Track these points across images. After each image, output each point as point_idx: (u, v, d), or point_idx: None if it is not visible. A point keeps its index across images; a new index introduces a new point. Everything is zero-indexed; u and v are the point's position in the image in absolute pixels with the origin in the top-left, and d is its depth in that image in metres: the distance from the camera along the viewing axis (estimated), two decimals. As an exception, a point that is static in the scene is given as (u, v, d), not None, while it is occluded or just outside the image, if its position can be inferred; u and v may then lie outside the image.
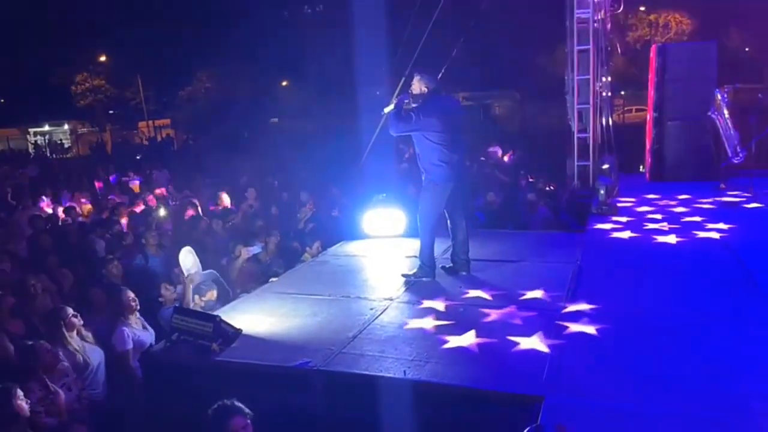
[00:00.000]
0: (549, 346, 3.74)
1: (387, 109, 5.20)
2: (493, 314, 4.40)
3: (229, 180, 12.45)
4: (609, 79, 11.16)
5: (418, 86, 5.09)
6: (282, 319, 4.54)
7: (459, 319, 4.38)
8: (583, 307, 4.43)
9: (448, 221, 5.39)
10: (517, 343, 3.84)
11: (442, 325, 4.29)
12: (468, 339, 3.98)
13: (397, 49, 9.51)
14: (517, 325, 4.17)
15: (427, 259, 5.25)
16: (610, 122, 11.11)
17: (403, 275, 5.33)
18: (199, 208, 9.47)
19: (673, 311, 4.26)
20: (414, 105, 5.12)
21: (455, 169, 5.12)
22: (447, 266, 5.50)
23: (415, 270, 5.31)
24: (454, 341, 3.95)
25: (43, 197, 10.52)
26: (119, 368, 4.72)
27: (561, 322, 4.14)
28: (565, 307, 4.44)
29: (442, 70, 9.13)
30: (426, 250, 5.25)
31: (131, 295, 4.90)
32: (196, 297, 5.51)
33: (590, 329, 4.02)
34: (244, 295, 5.48)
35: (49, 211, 10.24)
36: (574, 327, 4.06)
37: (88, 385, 4.41)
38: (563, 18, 10.07)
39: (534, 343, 3.81)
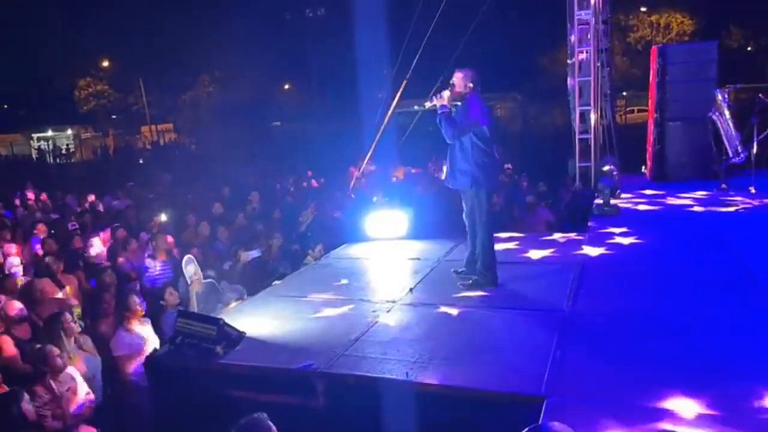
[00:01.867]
0: (551, 347, 3.75)
1: (428, 105, 4.99)
2: (495, 315, 4.43)
3: (233, 183, 12.49)
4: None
5: (461, 83, 4.84)
6: (285, 321, 4.57)
7: (461, 320, 4.41)
8: (585, 307, 4.45)
9: (468, 227, 5.17)
10: (518, 344, 3.86)
11: (444, 327, 4.31)
12: (470, 340, 4.00)
13: (399, 52, 9.56)
14: (518, 326, 4.19)
15: (485, 266, 5.03)
16: (612, 123, 11.12)
17: (462, 284, 5.10)
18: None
19: (675, 311, 4.27)
20: (457, 103, 4.89)
21: (494, 170, 4.98)
22: (459, 270, 5.32)
23: (474, 277, 5.09)
24: (455, 342, 3.98)
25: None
26: (114, 372, 4.76)
27: (563, 323, 4.16)
28: (567, 308, 4.46)
29: (444, 73, 9.20)
30: (488, 255, 5.03)
31: (136, 299, 4.94)
32: (219, 306, 5.53)
33: (592, 329, 4.05)
34: (248, 298, 5.51)
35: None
36: (575, 327, 4.08)
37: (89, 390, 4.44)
38: (564, 20, 10.11)
39: (536, 343, 3.83)
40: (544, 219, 8.40)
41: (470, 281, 5.09)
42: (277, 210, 10.03)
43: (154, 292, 6.00)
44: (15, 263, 7.03)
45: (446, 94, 4.88)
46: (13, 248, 7.35)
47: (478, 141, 4.81)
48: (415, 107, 5.13)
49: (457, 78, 4.87)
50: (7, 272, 6.61)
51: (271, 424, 2.67)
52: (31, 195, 12.69)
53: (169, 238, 7.51)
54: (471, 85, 4.85)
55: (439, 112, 4.86)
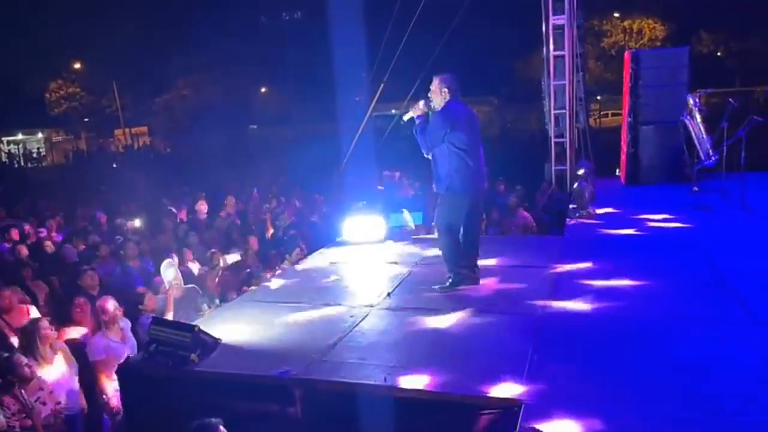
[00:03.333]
0: (528, 351, 3.76)
1: (406, 117, 5.01)
2: (473, 319, 4.43)
3: (209, 188, 12.37)
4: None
5: (438, 90, 4.82)
6: (261, 327, 4.52)
7: (438, 324, 4.40)
8: (562, 310, 4.48)
9: (461, 231, 5.12)
10: (496, 348, 3.86)
11: (421, 332, 4.30)
12: (448, 344, 4.00)
13: (376, 55, 9.56)
14: (496, 330, 4.20)
15: (455, 266, 5.04)
16: (586, 127, 11.26)
17: (439, 288, 5.07)
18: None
19: (649, 314, 4.32)
20: (436, 111, 4.87)
21: (474, 177, 4.94)
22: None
23: (448, 282, 5.09)
24: (433, 347, 3.96)
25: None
26: (91, 378, 4.66)
27: (540, 327, 4.18)
28: (544, 312, 4.48)
29: (421, 76, 9.23)
30: (452, 259, 5.04)
31: (114, 304, 4.84)
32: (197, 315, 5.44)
33: (569, 333, 4.07)
34: (224, 303, 5.44)
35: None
36: (552, 331, 4.10)
37: (61, 399, 4.33)
38: (539, 24, 10.22)
39: (513, 347, 3.84)
40: (522, 222, 8.45)
41: (447, 281, 5.09)
42: (255, 214, 9.97)
43: (132, 297, 5.90)
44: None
45: (421, 103, 4.90)
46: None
47: (455, 147, 4.80)
48: (393, 111, 5.14)
49: (434, 84, 4.86)
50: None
51: (223, 430, 2.65)
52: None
53: (143, 243, 7.40)
54: (446, 90, 4.82)
55: (417, 122, 4.87)
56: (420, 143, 4.90)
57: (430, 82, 4.93)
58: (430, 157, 4.99)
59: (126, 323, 5.03)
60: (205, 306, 5.64)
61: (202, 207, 10.42)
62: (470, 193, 4.95)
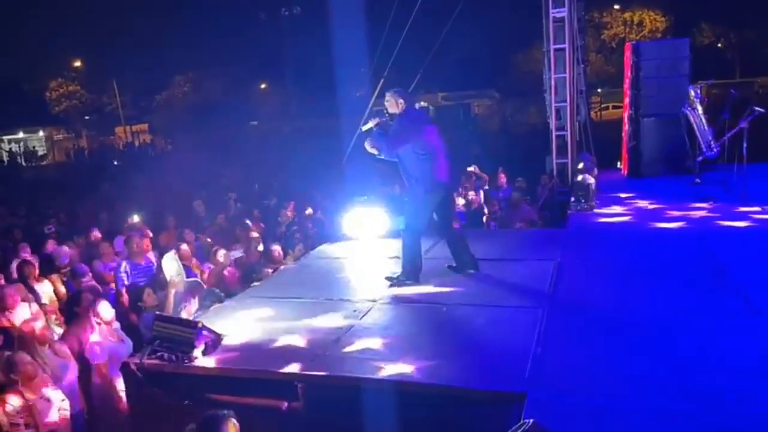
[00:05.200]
0: (531, 344, 3.77)
1: (365, 127, 5.27)
2: (475, 312, 4.43)
3: (210, 185, 12.36)
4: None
5: (394, 103, 5.13)
6: (265, 323, 4.52)
7: (442, 319, 4.40)
8: (564, 304, 4.48)
9: (439, 227, 5.43)
10: (499, 341, 3.87)
11: (424, 325, 4.31)
12: (451, 338, 4.00)
13: (376, 50, 9.53)
14: (499, 323, 4.20)
15: (409, 263, 5.24)
16: (587, 120, 11.24)
17: (387, 278, 5.33)
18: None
19: (649, 306, 4.32)
20: (394, 121, 5.14)
21: (441, 177, 5.13)
22: (453, 265, 5.50)
23: (398, 273, 5.29)
24: (436, 340, 3.97)
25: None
26: (95, 379, 4.65)
27: (543, 320, 4.18)
28: (547, 305, 4.48)
29: (421, 71, 9.20)
30: (408, 255, 5.24)
31: (107, 305, 4.83)
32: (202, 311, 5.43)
33: (571, 326, 4.07)
34: (227, 299, 5.44)
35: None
36: (555, 324, 4.10)
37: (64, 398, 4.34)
38: (540, 17, 10.18)
39: (516, 340, 3.85)
40: (526, 215, 8.45)
41: (395, 277, 5.27)
42: (256, 210, 9.95)
43: (133, 294, 5.89)
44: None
45: (373, 121, 5.23)
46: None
47: (420, 153, 5.06)
48: (362, 128, 5.36)
49: (390, 99, 5.17)
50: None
51: (233, 422, 2.66)
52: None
53: (147, 239, 7.38)
54: (402, 101, 5.13)
55: (374, 130, 5.19)
56: (379, 148, 5.19)
57: (383, 96, 5.29)
58: (391, 160, 5.22)
59: (117, 324, 5.00)
60: (208, 301, 5.62)
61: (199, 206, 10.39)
62: (440, 190, 5.17)
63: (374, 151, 5.23)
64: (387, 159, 5.23)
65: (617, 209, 7.87)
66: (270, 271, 6.45)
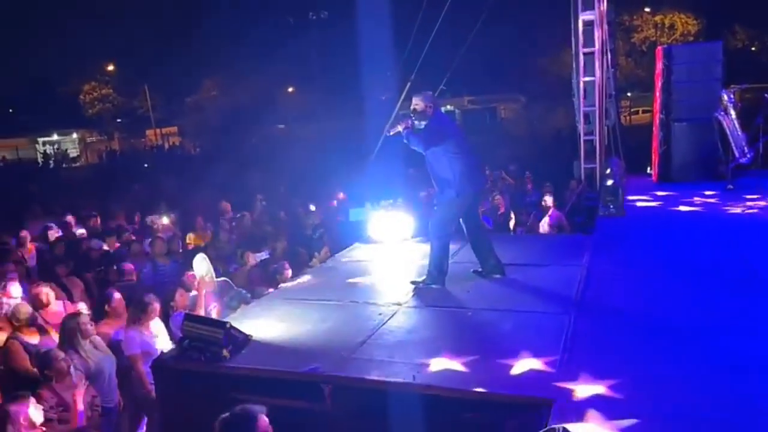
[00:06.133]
0: (558, 350, 3.74)
1: (393, 131, 5.31)
2: (502, 317, 4.41)
3: (238, 187, 12.51)
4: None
5: (422, 105, 5.19)
6: (291, 324, 4.56)
7: (468, 323, 4.39)
8: (593, 309, 4.43)
9: (465, 231, 5.42)
10: (526, 346, 3.84)
11: (450, 329, 4.30)
12: (477, 342, 3.99)
13: (402, 54, 9.55)
14: (526, 329, 4.17)
15: (436, 267, 5.21)
16: (617, 124, 11.09)
17: (412, 282, 5.32)
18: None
19: (681, 311, 4.25)
20: (425, 123, 5.18)
21: (472, 179, 5.16)
22: (478, 270, 5.49)
23: (424, 277, 5.29)
24: (462, 345, 3.96)
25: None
26: (127, 372, 4.76)
27: (570, 325, 4.14)
28: (576, 310, 4.44)
29: (448, 74, 9.20)
30: (436, 259, 5.22)
31: (153, 301, 4.94)
32: (229, 311, 5.52)
33: (600, 332, 4.03)
34: (254, 301, 5.51)
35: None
36: (583, 330, 4.06)
37: (100, 393, 4.44)
38: (568, 20, 10.10)
39: (544, 346, 3.81)
40: (556, 221, 8.38)
41: (421, 280, 5.27)
42: (283, 212, 10.05)
43: (163, 294, 6.00)
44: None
45: (401, 125, 5.23)
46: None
47: (451, 153, 5.08)
48: (390, 132, 5.39)
49: (417, 102, 5.19)
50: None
51: (263, 417, 2.68)
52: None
53: (177, 240, 7.52)
54: (431, 105, 5.18)
55: (404, 133, 5.19)
56: (414, 144, 5.18)
57: (411, 101, 5.32)
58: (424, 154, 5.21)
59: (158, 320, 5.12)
60: (235, 302, 5.70)
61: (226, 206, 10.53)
62: (469, 192, 5.18)
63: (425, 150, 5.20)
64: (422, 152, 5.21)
65: (647, 213, 7.75)
66: (287, 273, 6.42)
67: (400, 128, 5.25)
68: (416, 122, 5.20)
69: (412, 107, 5.26)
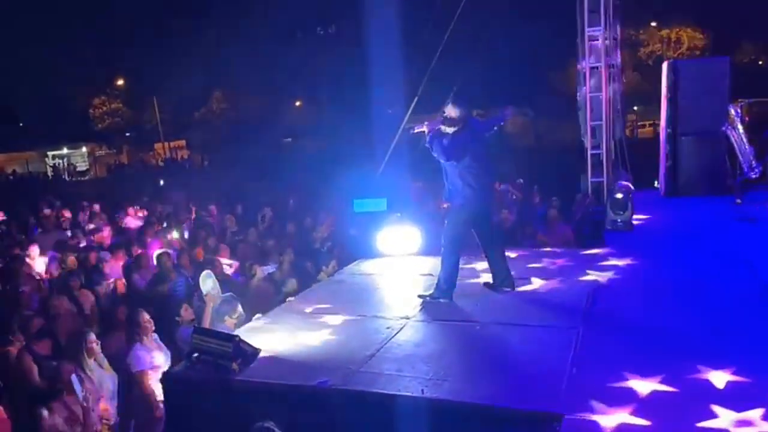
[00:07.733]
0: (567, 363, 3.74)
1: (418, 129, 5.25)
2: (510, 331, 4.42)
3: (246, 199, 12.58)
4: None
5: (453, 111, 5.08)
6: (300, 338, 4.58)
7: (476, 337, 4.40)
8: (600, 323, 4.43)
9: (478, 241, 5.38)
10: (534, 361, 3.84)
11: (458, 343, 4.31)
12: (485, 356, 3.99)
13: (410, 68, 9.63)
14: (534, 343, 4.18)
15: (445, 281, 5.19)
16: (623, 138, 11.10)
17: (420, 296, 5.31)
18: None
19: (690, 328, 4.24)
20: (448, 128, 5.08)
21: (483, 192, 5.14)
22: (488, 283, 5.49)
23: (432, 291, 5.27)
24: (470, 359, 3.97)
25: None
26: (136, 388, 4.78)
27: (578, 339, 4.14)
28: (582, 324, 4.44)
29: (454, 89, 9.25)
30: (446, 272, 5.19)
31: (146, 316, 4.97)
32: (227, 318, 5.55)
33: (607, 346, 4.02)
34: (262, 314, 5.53)
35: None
36: (591, 344, 4.06)
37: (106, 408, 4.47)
38: (574, 35, 10.16)
39: (552, 360, 3.82)
40: (562, 235, 8.37)
41: (429, 294, 5.23)
42: (290, 224, 10.08)
43: (170, 308, 6.04)
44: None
45: (426, 125, 5.15)
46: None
47: (468, 166, 5.03)
48: (414, 130, 5.30)
49: (450, 107, 5.09)
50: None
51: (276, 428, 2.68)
52: (48, 212, 12.85)
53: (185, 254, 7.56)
54: (464, 117, 5.08)
55: (428, 136, 5.10)
56: (437, 152, 5.08)
57: (445, 104, 5.17)
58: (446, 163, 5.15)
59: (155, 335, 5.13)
60: (240, 313, 5.73)
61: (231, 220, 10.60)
62: (479, 204, 5.15)
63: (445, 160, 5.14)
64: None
65: (655, 228, 7.74)
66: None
67: (425, 128, 5.14)
68: (444, 128, 5.08)
69: (445, 113, 5.11)
